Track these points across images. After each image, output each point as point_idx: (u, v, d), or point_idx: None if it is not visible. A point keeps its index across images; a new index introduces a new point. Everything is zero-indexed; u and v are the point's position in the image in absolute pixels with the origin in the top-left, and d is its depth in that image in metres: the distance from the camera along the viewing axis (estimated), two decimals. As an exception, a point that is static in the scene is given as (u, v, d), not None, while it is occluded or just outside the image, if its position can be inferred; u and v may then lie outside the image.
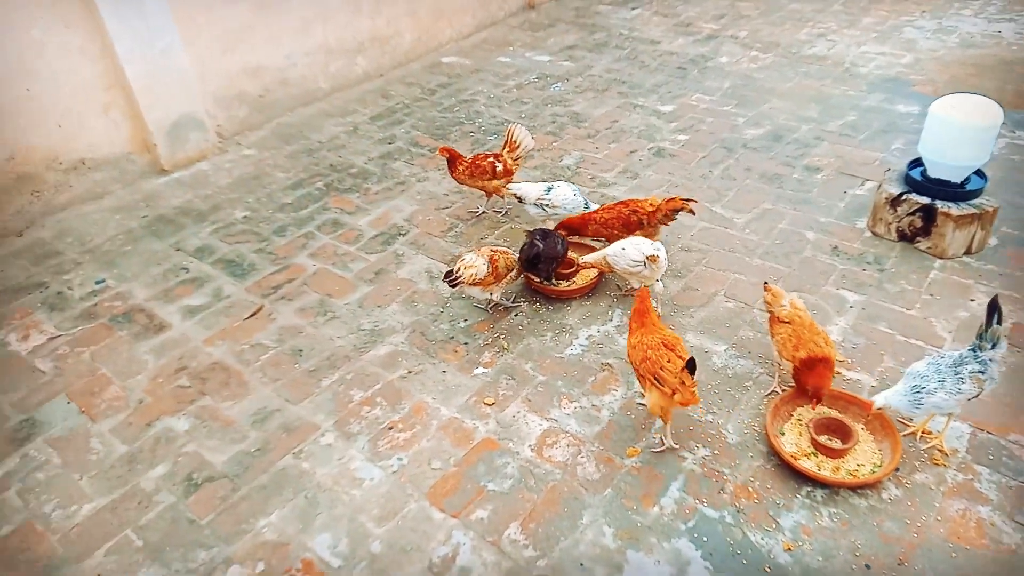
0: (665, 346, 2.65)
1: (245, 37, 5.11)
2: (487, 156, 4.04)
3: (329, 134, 5.32)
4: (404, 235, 4.13)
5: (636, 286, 3.41)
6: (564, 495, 2.59)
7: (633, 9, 7.39)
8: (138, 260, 4.02)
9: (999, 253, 3.59)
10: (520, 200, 3.85)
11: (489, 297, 3.38)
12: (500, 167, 4.00)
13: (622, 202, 3.64)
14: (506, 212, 4.23)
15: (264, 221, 4.31)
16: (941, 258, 3.58)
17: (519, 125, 4.09)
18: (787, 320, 2.82)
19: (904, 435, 2.70)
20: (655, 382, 2.58)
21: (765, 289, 3.02)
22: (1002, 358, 2.58)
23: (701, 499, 2.55)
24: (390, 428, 2.91)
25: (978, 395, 2.51)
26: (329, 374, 3.19)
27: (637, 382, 2.83)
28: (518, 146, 4.07)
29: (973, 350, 2.52)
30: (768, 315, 2.97)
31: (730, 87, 5.57)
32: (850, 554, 2.34)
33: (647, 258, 3.21)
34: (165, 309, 3.64)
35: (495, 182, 4.04)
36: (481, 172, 4.01)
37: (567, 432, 2.84)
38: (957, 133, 3.36)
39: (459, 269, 3.23)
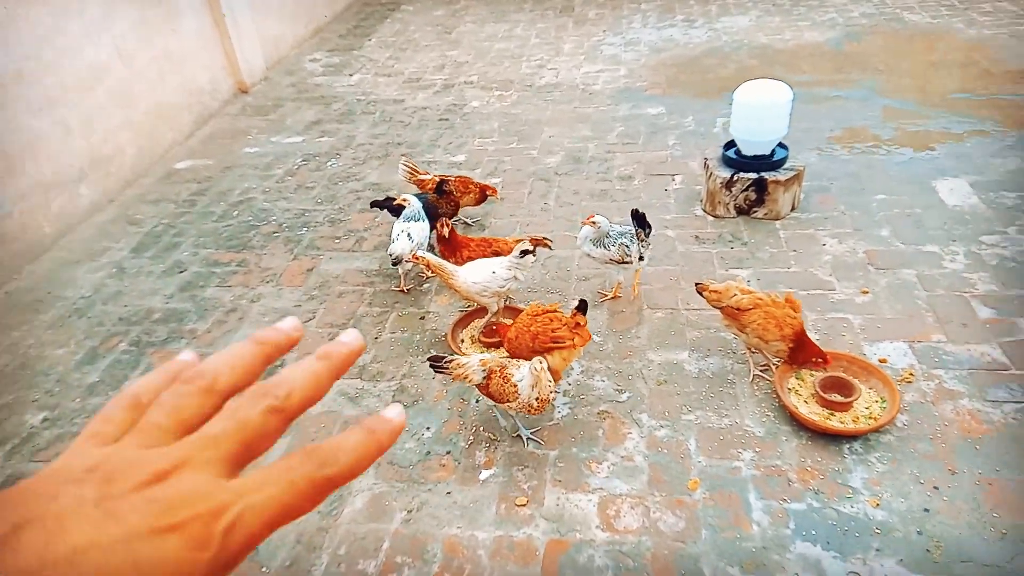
0: (542, 314, 2.94)
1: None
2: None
3: (91, 285, 4.22)
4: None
5: (494, 308, 3.39)
6: (669, 558, 2.39)
7: (351, 75, 7.22)
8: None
9: (813, 200, 4.26)
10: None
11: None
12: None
13: (485, 240, 3.66)
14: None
15: (73, 417, 3.24)
16: (777, 219, 4.12)
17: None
18: (751, 307, 2.98)
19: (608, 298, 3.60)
20: (555, 346, 2.84)
21: (701, 291, 3.15)
22: (643, 247, 3.44)
23: (781, 498, 2.55)
24: (439, 583, 2.39)
25: (620, 263, 3.44)
26: (315, 561, 2.51)
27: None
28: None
29: (633, 235, 3.42)
30: (721, 311, 3.10)
31: (500, 126, 5.75)
32: (916, 483, 2.55)
33: (522, 252, 3.26)
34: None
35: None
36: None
37: (620, 495, 2.63)
38: (763, 112, 3.91)
39: (453, 363, 2.76)
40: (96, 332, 3.81)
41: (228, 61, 6.64)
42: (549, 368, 2.69)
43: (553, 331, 2.88)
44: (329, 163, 5.44)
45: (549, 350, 2.87)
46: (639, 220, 3.41)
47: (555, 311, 2.98)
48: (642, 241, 3.44)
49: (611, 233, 3.45)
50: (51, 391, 3.42)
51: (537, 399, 2.63)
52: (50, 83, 4.61)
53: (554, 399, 2.70)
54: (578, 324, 2.91)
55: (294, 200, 4.96)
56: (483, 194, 4.20)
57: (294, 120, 6.29)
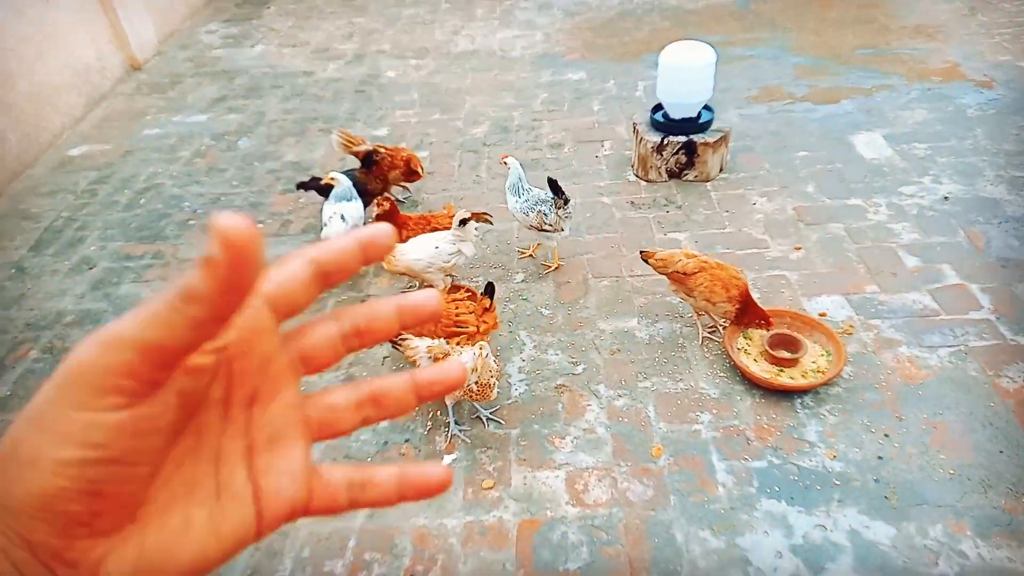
0: (450, 299, 2.88)
1: None
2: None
3: (-15, 289, 3.81)
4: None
5: (440, 286, 3.30)
6: (641, 528, 2.40)
7: (253, 47, 6.78)
8: None
9: (739, 160, 4.33)
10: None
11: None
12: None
13: (423, 218, 3.55)
14: None
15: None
16: (707, 181, 4.17)
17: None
18: (697, 270, 2.99)
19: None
20: (458, 331, 2.77)
21: (647, 258, 3.14)
22: (561, 217, 3.36)
23: (743, 457, 2.60)
24: (413, 577, 2.31)
25: (539, 229, 3.41)
26: (278, 567, 2.37)
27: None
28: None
29: (552, 203, 3.34)
30: (668, 277, 3.10)
31: (420, 96, 5.55)
32: (868, 432, 2.65)
33: (461, 221, 3.18)
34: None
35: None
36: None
37: (587, 468, 2.61)
38: (689, 74, 3.91)
39: (405, 343, 2.69)
40: (1, 341, 3.45)
41: (115, 35, 6.09)
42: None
43: (457, 315, 2.81)
44: (240, 142, 5.10)
45: (452, 335, 2.80)
46: (554, 188, 3.32)
47: (468, 295, 2.94)
48: (559, 209, 3.34)
49: (529, 196, 3.40)
50: (-50, 412, 3.07)
51: (476, 383, 2.56)
52: (-90, 65, 4.08)
53: (495, 384, 2.63)
54: (485, 310, 2.85)
55: (207, 184, 4.62)
56: (408, 168, 4.03)
57: (196, 97, 5.85)
